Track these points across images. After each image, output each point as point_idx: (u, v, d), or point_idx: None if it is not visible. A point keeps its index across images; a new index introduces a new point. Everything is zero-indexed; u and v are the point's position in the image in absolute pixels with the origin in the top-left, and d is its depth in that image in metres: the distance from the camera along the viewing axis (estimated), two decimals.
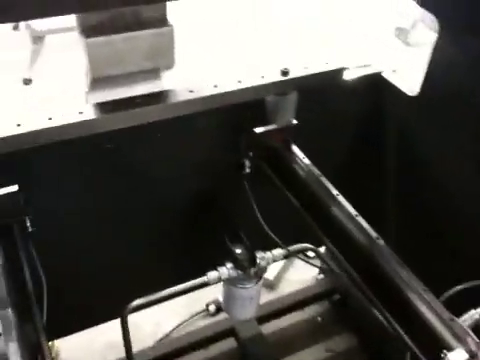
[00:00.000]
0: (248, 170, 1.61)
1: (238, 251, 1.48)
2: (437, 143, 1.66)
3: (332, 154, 1.90)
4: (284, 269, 2.70)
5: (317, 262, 2.01)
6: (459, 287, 1.20)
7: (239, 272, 1.48)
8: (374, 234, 1.33)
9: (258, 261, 1.48)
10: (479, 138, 1.48)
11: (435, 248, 1.70)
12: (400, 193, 1.92)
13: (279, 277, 2.66)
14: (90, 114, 1.29)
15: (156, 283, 1.48)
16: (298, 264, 2.71)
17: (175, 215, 1.77)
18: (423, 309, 1.10)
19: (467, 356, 0.99)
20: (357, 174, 1.91)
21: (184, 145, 1.58)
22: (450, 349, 1.00)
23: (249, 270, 1.47)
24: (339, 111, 1.74)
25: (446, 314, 1.10)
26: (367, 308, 1.52)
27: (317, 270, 2.50)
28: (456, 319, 1.10)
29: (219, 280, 1.49)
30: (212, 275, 1.46)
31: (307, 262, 1.88)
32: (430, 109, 1.62)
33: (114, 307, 1.41)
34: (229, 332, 2.10)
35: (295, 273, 2.69)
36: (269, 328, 2.22)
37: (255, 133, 1.56)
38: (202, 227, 1.80)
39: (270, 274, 2.62)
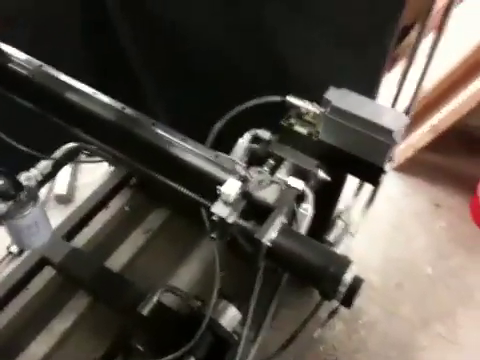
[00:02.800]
0: None
1: None
2: None
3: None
4: (73, 179, 2.56)
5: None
6: (218, 124, 1.22)
7: (9, 203, 1.33)
8: (119, 105, 1.25)
9: (24, 183, 1.34)
10: None
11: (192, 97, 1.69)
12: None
13: (71, 188, 2.52)
14: None
15: None
16: (86, 167, 2.59)
17: None
18: (188, 157, 1.11)
19: (239, 182, 1.04)
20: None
21: None
22: (223, 183, 1.03)
23: (18, 196, 1.33)
24: None
25: (210, 153, 1.12)
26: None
27: (106, 164, 2.41)
28: (221, 154, 1.13)
29: None
30: None
31: (89, 162, 1.78)
32: None
33: None
34: (41, 263, 1.99)
35: (86, 177, 2.58)
36: (80, 240, 2.15)
37: None
38: None
39: (61, 189, 2.48)
